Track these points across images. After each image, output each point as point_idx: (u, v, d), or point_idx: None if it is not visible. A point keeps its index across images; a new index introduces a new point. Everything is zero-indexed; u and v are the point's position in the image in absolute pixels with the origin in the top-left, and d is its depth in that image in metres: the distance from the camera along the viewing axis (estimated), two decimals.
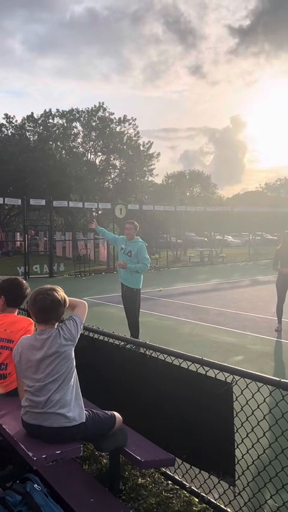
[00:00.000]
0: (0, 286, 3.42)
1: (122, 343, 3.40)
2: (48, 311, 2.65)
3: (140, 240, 6.75)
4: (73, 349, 2.65)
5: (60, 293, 2.72)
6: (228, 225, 29.35)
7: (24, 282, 3.52)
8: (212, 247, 26.65)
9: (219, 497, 2.72)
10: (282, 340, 7.43)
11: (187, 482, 2.93)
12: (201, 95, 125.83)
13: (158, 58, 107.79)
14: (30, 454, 2.39)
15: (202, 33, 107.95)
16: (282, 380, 2.27)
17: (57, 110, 40.00)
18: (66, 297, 2.76)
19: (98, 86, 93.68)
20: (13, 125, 38.47)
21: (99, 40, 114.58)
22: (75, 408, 2.57)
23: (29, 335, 2.79)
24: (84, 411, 2.64)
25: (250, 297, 12.20)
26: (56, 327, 2.68)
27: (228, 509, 2.66)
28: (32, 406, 2.56)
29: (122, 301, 6.82)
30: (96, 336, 3.53)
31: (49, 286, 2.75)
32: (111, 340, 3.42)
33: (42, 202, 20.65)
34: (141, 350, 3.16)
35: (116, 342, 3.39)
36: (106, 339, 3.46)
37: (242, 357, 6.45)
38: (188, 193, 50.94)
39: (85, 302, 2.96)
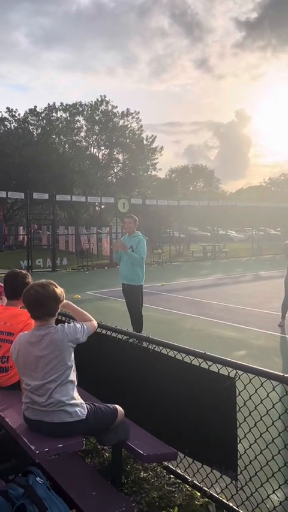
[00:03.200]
0: None
1: (125, 337, 3.39)
2: (35, 306, 2.58)
3: (140, 234, 6.71)
4: (73, 350, 2.61)
5: (51, 288, 2.61)
6: (232, 220, 29.32)
7: (22, 272, 3.42)
8: (215, 242, 26.59)
9: (221, 491, 2.72)
10: (285, 336, 7.42)
11: (189, 476, 2.93)
12: (206, 89, 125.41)
13: (164, 51, 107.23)
14: (33, 448, 2.39)
15: (208, 26, 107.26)
16: (285, 375, 2.26)
17: (61, 104, 39.94)
18: (62, 292, 2.66)
19: (103, 80, 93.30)
20: (16, 118, 38.38)
21: (105, 33, 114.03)
22: (76, 405, 2.56)
23: (26, 331, 2.75)
24: (86, 405, 2.63)
25: (253, 292, 12.18)
26: (53, 322, 2.64)
27: (230, 504, 2.65)
28: (33, 403, 2.55)
29: (124, 297, 6.80)
30: (98, 330, 3.52)
31: (42, 281, 2.65)
32: (113, 334, 3.41)
33: (45, 196, 20.65)
34: (144, 344, 3.15)
35: (119, 336, 3.38)
36: (108, 333, 3.45)
37: (245, 351, 6.45)
38: (191, 188, 50.82)
39: (96, 323, 2.92)
